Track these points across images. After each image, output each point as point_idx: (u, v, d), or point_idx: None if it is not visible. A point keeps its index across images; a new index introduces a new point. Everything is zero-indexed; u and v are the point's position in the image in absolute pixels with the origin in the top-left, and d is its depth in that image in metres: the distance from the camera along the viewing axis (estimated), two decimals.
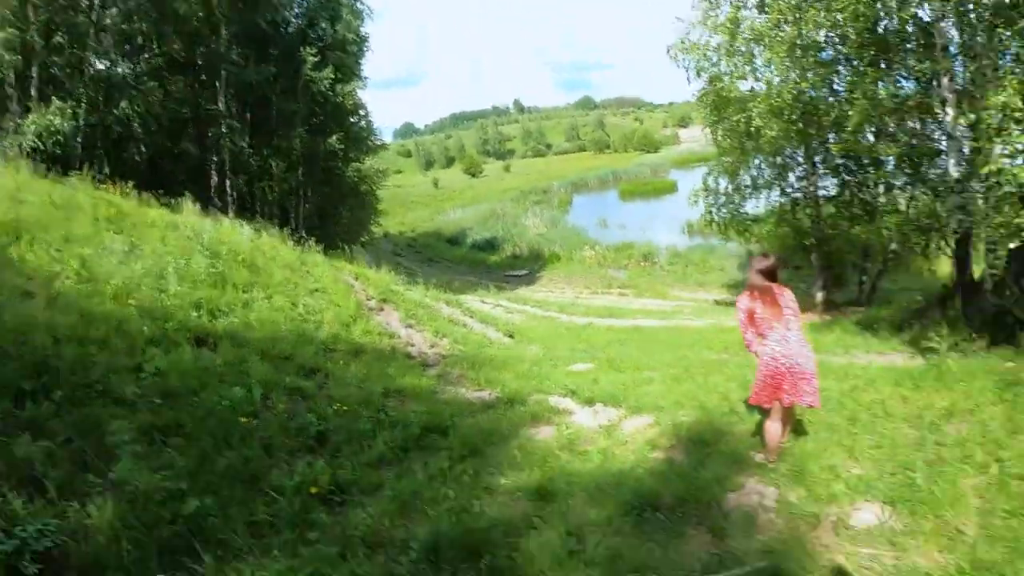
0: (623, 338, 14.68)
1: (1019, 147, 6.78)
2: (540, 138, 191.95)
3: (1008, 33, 8.19)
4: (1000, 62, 9.81)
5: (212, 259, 11.73)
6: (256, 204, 24.71)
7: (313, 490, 5.83)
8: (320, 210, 28.79)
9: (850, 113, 14.67)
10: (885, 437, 6.09)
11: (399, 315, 14.09)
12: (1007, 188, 7.04)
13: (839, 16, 13.10)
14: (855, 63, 15.61)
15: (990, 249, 10.49)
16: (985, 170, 7.68)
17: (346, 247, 20.91)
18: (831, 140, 16.57)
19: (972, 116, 8.77)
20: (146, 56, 23.29)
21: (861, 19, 13.01)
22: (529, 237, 45.11)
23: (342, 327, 11.68)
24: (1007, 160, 7.32)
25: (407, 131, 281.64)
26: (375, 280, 16.05)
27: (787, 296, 5.82)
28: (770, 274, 5.90)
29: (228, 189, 23.63)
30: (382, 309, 14.27)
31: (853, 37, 14.39)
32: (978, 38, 10.60)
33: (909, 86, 15.47)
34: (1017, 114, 6.77)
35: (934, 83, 13.60)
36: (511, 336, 15.02)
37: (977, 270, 13.02)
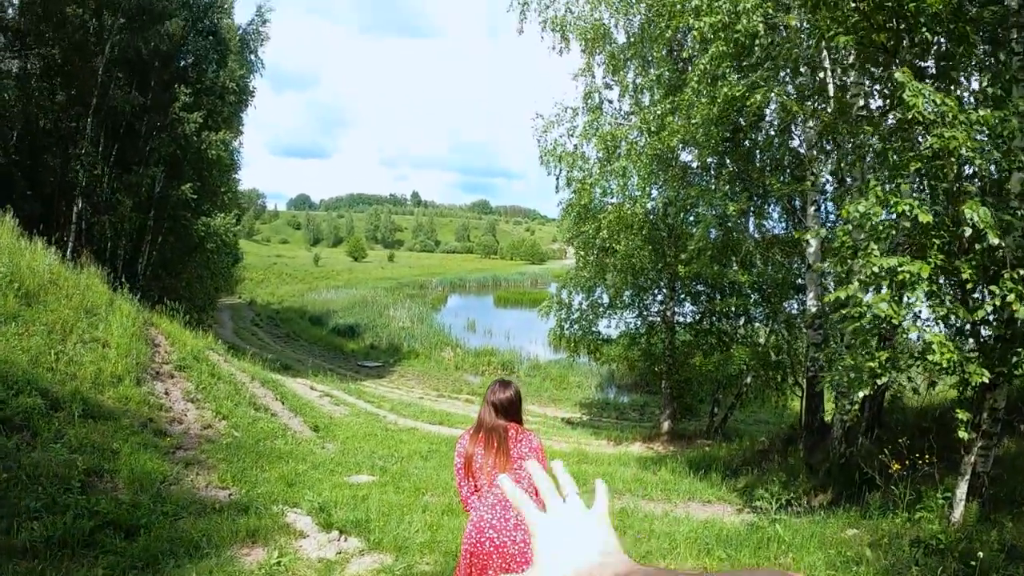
0: (435, 449, 12.99)
1: (876, 270, 5.37)
2: (431, 233, 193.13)
3: (874, 138, 7.03)
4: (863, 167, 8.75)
5: None
6: (104, 241, 22.14)
7: None
8: (166, 261, 26.38)
9: (695, 232, 13.87)
10: None
11: (188, 385, 12.14)
12: (862, 322, 5.62)
13: (694, 122, 12.22)
14: (707, 174, 15.10)
15: (841, 393, 9.27)
16: (831, 298, 6.25)
17: (184, 304, 18.66)
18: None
19: (823, 232, 7.61)
20: (15, 51, 20.93)
21: (718, 126, 12.14)
22: (392, 329, 43.31)
23: (94, 386, 9.72)
24: (864, 291, 5.89)
25: (301, 203, 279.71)
26: (187, 343, 14.00)
27: (525, 443, 4.19)
28: (506, 410, 4.28)
29: (74, 218, 21.04)
30: (172, 376, 12.28)
31: (709, 159, 13.81)
32: (847, 145, 9.54)
33: (775, 215, 15.06)
34: (879, 228, 5.42)
35: (800, 214, 12.98)
36: (316, 430, 13.13)
37: (829, 412, 12.02)
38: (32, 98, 20.47)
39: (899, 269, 5.26)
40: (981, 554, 4.84)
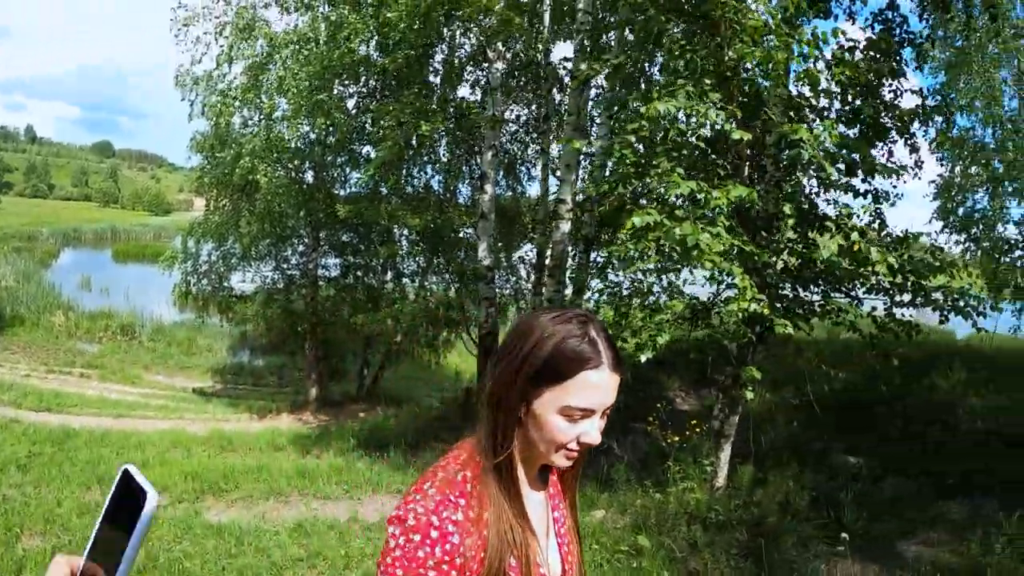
0: (37, 452, 9.54)
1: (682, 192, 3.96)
2: (44, 176, 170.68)
3: None
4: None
5: None
6: None
7: None
8: None
9: (377, 153, 12.27)
10: None
11: None
12: (650, 260, 4.23)
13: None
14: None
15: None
16: (631, 222, 4.27)
17: None
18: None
19: (597, 144, 6.08)
20: None
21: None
22: None
23: None
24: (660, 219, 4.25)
25: None
26: None
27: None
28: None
29: None
30: None
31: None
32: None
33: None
34: (678, 140, 3.99)
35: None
36: None
37: None
38: None
39: (700, 196, 3.93)
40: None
